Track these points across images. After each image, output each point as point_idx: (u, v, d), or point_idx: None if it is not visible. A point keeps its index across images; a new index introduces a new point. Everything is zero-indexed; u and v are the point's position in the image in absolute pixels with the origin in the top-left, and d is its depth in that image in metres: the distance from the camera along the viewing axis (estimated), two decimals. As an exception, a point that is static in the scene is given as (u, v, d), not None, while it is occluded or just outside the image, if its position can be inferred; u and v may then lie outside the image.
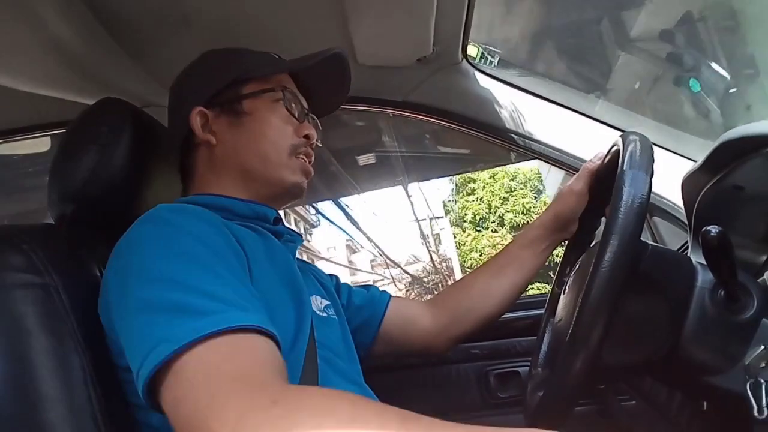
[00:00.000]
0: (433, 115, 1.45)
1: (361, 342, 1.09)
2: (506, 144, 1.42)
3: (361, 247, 16.75)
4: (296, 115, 0.99)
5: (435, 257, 16.23)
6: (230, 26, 1.18)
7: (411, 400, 1.18)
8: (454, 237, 16.48)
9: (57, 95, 1.20)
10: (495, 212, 16.14)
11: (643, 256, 0.75)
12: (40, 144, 1.69)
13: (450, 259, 16.15)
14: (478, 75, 1.41)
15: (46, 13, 0.98)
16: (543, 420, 0.79)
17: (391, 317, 1.12)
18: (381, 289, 1.17)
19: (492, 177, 16.44)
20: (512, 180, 15.94)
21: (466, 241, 15.98)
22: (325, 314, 0.97)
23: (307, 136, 0.99)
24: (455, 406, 1.44)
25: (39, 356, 0.73)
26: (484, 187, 16.58)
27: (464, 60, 1.38)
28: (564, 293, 0.95)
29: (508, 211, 15.96)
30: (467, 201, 16.74)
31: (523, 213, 15.64)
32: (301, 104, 1.01)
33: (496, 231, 15.96)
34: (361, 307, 1.12)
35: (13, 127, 1.49)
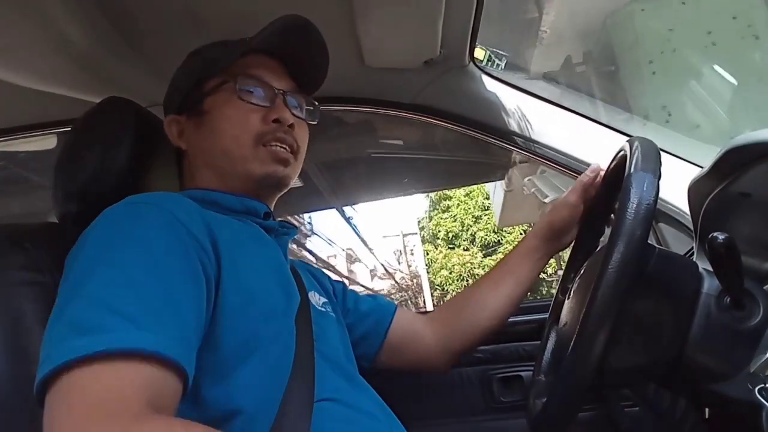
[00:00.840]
0: (440, 117, 1.45)
1: (366, 353, 1.09)
2: (512, 147, 1.42)
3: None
4: (260, 102, 0.93)
5: (405, 273, 16.21)
6: (239, 27, 1.18)
7: (413, 402, 1.19)
8: (426, 254, 16.49)
9: (63, 93, 1.20)
10: (467, 230, 16.14)
11: (650, 259, 0.75)
12: (46, 143, 1.69)
13: (420, 276, 16.08)
14: (484, 78, 1.41)
15: (54, 11, 0.98)
16: (546, 425, 0.79)
17: (396, 328, 1.11)
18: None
19: (467, 195, 16.45)
20: (486, 198, 15.88)
21: (438, 258, 15.98)
22: (323, 309, 0.97)
23: (277, 120, 0.93)
24: (457, 410, 1.43)
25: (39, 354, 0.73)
26: (458, 204, 16.60)
27: (471, 63, 1.38)
28: (569, 298, 0.95)
29: (480, 230, 15.97)
30: (441, 218, 16.76)
31: (494, 231, 15.65)
32: (269, 86, 0.95)
33: (467, 249, 15.97)
34: (368, 314, 1.11)
35: (19, 125, 1.49)
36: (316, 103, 1.03)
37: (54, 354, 0.60)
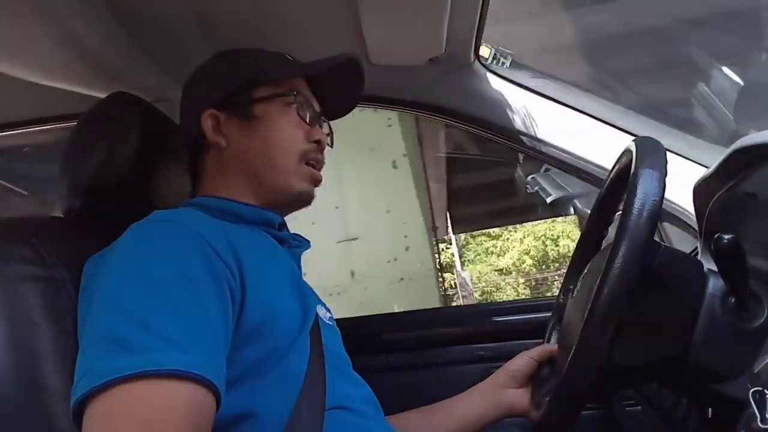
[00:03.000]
0: (444, 115, 1.45)
1: None
2: (517, 146, 1.42)
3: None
4: (307, 120, 0.98)
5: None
6: (243, 23, 1.18)
7: (414, 400, 1.19)
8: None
9: (68, 87, 1.20)
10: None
11: (655, 257, 0.75)
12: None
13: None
14: (489, 76, 1.41)
15: (60, 6, 0.98)
16: (549, 424, 0.79)
17: None
18: None
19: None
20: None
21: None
22: (330, 323, 0.97)
23: (317, 141, 0.98)
24: (459, 408, 1.43)
25: (45, 349, 0.73)
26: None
27: (476, 61, 1.38)
28: (572, 297, 0.95)
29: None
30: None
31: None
32: (313, 108, 1.00)
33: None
34: None
35: (25, 119, 1.50)
36: (332, 130, 1.09)
37: (95, 371, 0.61)
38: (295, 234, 1.02)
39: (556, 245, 15.73)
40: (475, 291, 16.95)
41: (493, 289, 17.00)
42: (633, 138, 0.85)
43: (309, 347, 0.82)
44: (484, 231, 15.52)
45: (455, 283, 13.96)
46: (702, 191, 0.83)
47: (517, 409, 1.02)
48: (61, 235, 0.85)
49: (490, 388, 1.05)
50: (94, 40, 1.07)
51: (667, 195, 0.71)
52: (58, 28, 1.01)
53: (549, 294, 14.28)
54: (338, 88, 1.04)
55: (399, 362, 1.51)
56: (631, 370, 0.78)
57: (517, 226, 15.01)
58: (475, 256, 17.71)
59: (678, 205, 1.18)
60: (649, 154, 0.75)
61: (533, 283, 16.47)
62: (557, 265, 16.13)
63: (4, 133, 1.55)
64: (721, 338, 0.73)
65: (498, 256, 16.89)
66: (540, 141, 1.38)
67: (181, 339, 0.64)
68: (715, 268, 0.72)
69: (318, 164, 0.99)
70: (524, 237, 15.94)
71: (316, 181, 0.99)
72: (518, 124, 1.39)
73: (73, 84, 1.20)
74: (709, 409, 0.87)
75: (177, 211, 0.82)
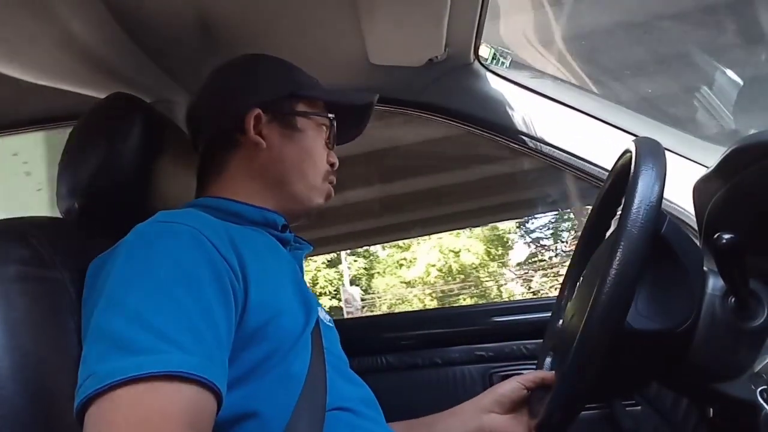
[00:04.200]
0: (444, 115, 1.44)
1: None
2: (517, 146, 1.41)
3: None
4: (331, 144, 1.05)
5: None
6: (243, 23, 1.18)
7: (414, 401, 1.19)
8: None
9: (68, 88, 1.20)
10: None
11: (661, 225, 0.75)
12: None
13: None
14: (489, 76, 1.41)
15: (58, 7, 0.98)
16: (549, 424, 0.79)
17: None
18: None
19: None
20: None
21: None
22: (330, 324, 0.97)
23: (332, 164, 1.04)
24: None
25: (45, 350, 0.73)
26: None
27: (476, 61, 1.38)
28: (573, 296, 0.95)
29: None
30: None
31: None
32: (335, 133, 1.05)
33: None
34: None
35: (25, 118, 1.50)
36: None
37: (98, 373, 0.61)
38: (297, 236, 1.02)
39: (458, 257, 15.85)
40: (383, 304, 17.30)
41: (398, 301, 17.08)
42: (633, 138, 0.85)
43: (311, 348, 0.82)
44: (394, 243, 15.61)
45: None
46: (701, 191, 0.83)
47: None
48: (60, 235, 0.85)
49: (473, 411, 1.02)
50: (94, 40, 1.07)
51: (666, 194, 0.71)
52: (58, 28, 1.00)
53: (456, 304, 14.19)
54: (349, 118, 1.08)
55: (399, 362, 1.51)
56: (648, 334, 0.76)
57: (426, 238, 15.10)
58: (385, 269, 17.87)
59: (678, 205, 1.18)
60: (649, 154, 0.75)
61: (440, 294, 16.56)
62: (462, 276, 16.36)
63: (4, 133, 1.55)
64: (721, 338, 0.73)
65: (407, 268, 17.01)
66: (540, 140, 1.38)
67: (184, 340, 0.64)
68: (715, 268, 0.73)
69: (332, 184, 1.04)
70: (430, 250, 16.02)
71: (329, 198, 1.04)
72: (518, 123, 1.39)
73: (72, 84, 1.20)
74: (710, 408, 0.88)
75: (181, 212, 0.82)
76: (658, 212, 0.69)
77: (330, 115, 1.04)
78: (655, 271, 0.75)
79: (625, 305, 0.68)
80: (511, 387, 0.99)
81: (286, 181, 0.98)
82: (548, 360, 1.03)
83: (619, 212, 0.80)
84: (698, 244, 0.92)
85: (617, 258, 0.67)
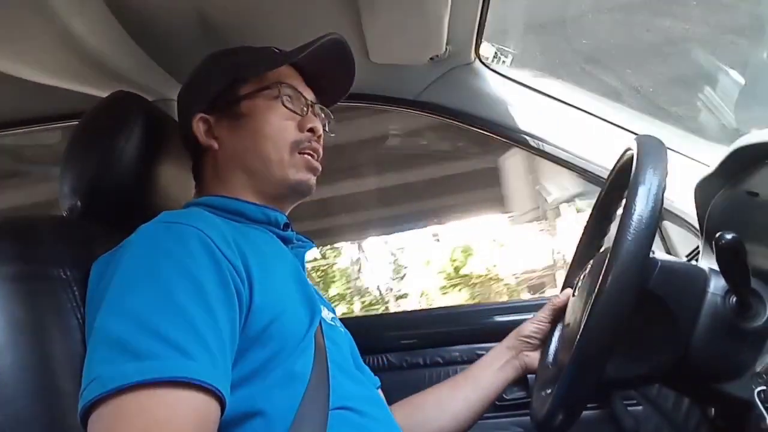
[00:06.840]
0: (445, 114, 1.45)
1: None
2: (518, 145, 1.42)
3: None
4: (297, 110, 0.98)
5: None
6: (243, 22, 1.18)
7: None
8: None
9: (69, 87, 1.20)
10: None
11: (651, 274, 0.75)
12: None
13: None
14: (490, 75, 1.41)
15: (59, 6, 0.98)
16: (550, 424, 0.79)
17: None
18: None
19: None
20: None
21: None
22: (333, 323, 0.97)
23: (311, 129, 0.98)
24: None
25: (47, 349, 0.73)
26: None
27: (477, 59, 1.38)
28: (574, 295, 0.95)
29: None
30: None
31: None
32: (303, 97, 1.00)
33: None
34: None
35: (26, 118, 1.50)
36: (332, 116, 1.08)
37: (102, 377, 0.61)
38: (299, 234, 1.02)
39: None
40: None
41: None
42: (635, 137, 0.85)
43: (314, 348, 0.82)
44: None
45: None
46: (703, 190, 0.83)
47: (533, 367, 1.06)
48: (63, 234, 0.85)
49: (506, 355, 1.09)
50: (95, 39, 1.07)
51: (668, 194, 0.71)
52: (59, 27, 1.00)
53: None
54: (329, 71, 1.04)
55: (399, 362, 1.51)
56: (628, 380, 0.78)
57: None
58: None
59: (679, 205, 1.17)
60: (651, 153, 0.75)
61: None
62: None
63: (4, 133, 1.55)
64: (723, 337, 0.73)
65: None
66: (541, 139, 1.38)
67: (188, 345, 0.64)
68: (716, 267, 0.72)
69: (314, 152, 0.99)
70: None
71: (314, 169, 0.98)
72: (519, 122, 1.39)
73: (74, 83, 1.20)
74: (711, 408, 0.87)
75: (185, 213, 0.82)
76: (661, 210, 0.69)
77: (282, 83, 0.97)
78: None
79: (624, 309, 0.68)
80: (533, 328, 1.07)
81: (253, 169, 0.96)
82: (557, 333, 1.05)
83: (619, 213, 0.80)
84: (699, 244, 0.91)
85: (618, 258, 0.67)
